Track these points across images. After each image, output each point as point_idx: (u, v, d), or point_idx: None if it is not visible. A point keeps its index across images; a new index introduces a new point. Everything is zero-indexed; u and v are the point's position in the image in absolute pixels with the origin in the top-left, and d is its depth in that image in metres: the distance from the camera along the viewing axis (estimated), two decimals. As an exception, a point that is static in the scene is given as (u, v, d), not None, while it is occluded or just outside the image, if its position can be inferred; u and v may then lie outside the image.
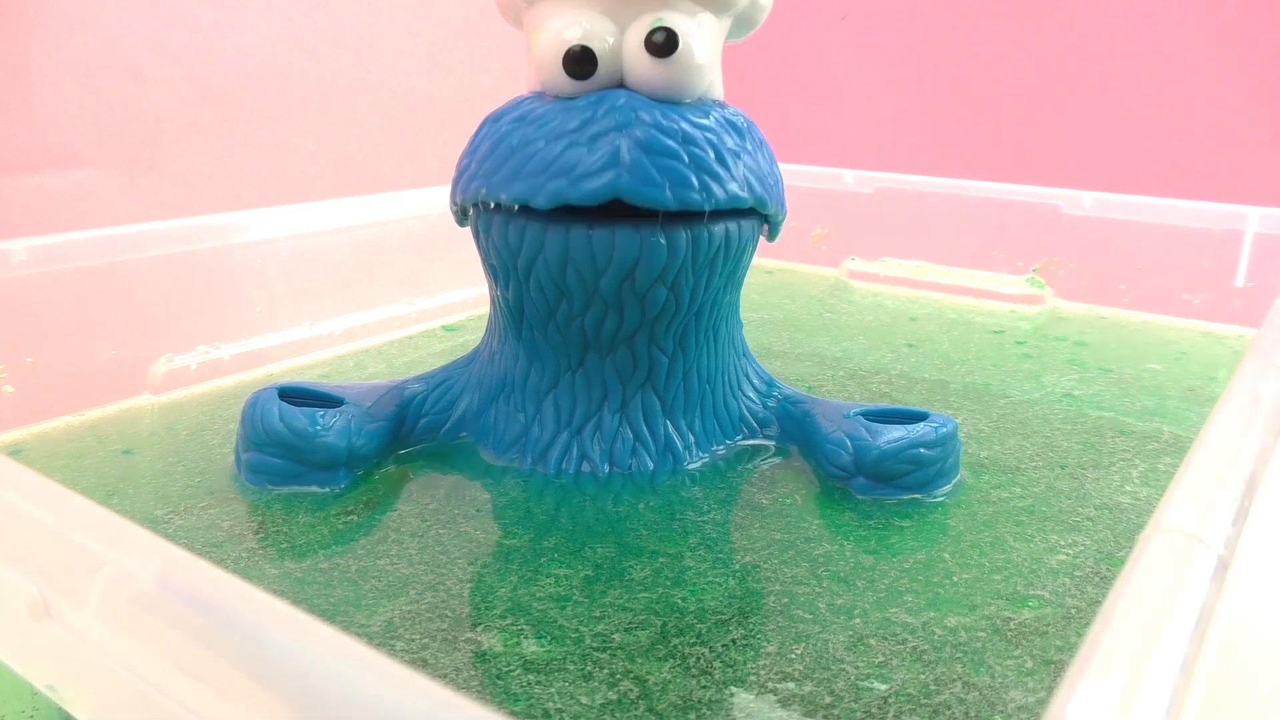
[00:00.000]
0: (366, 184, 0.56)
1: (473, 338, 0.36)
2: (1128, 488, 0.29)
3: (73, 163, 0.44)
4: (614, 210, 0.26)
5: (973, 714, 0.19)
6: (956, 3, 0.65)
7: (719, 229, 0.27)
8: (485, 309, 0.31)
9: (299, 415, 0.27)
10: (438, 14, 0.59)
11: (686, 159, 0.26)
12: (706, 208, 0.26)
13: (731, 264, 0.28)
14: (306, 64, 0.53)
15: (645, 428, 0.29)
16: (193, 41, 0.48)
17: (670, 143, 0.25)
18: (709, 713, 0.19)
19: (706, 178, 0.26)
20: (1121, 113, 0.61)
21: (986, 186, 0.52)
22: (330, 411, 0.28)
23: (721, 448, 0.30)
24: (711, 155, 0.26)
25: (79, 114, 0.44)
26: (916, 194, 0.54)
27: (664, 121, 0.26)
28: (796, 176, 0.56)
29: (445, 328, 0.45)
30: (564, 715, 0.19)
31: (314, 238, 0.41)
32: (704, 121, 0.26)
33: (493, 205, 0.27)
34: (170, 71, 0.47)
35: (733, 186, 0.26)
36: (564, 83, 0.26)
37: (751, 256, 0.29)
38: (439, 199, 0.37)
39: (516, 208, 0.26)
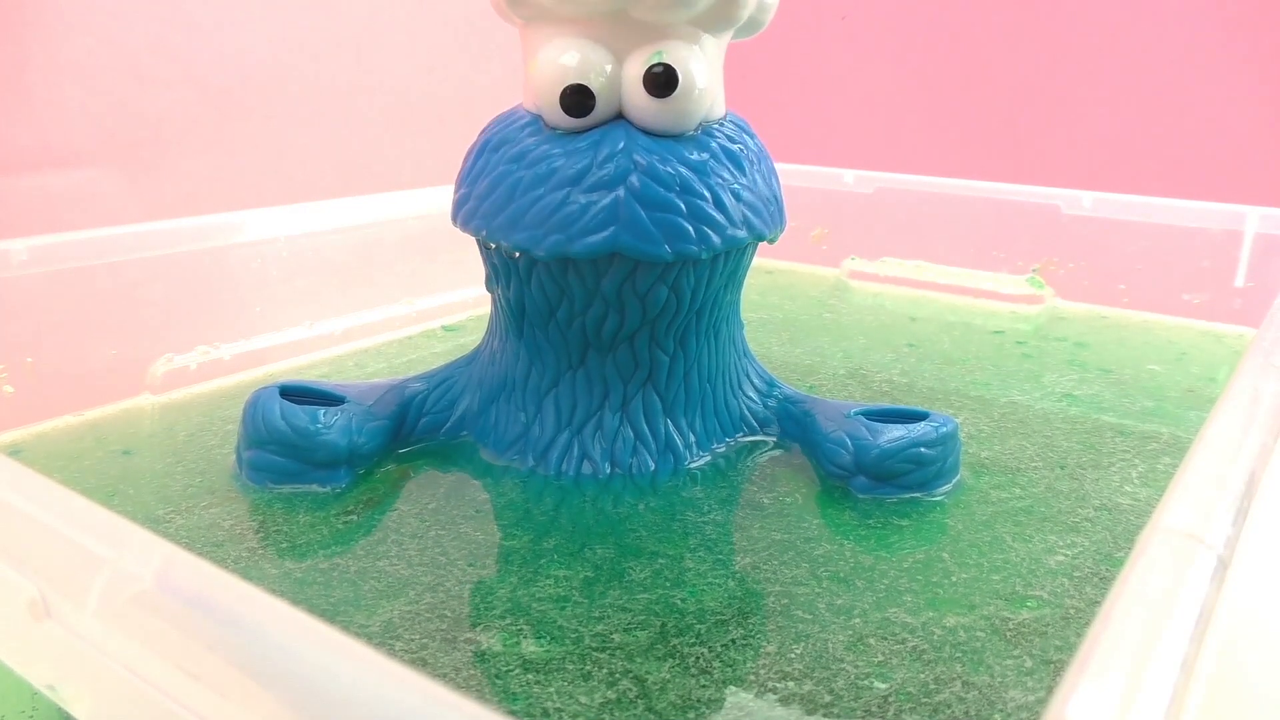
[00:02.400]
0: (366, 184, 0.56)
1: (473, 338, 0.36)
2: (1127, 488, 0.29)
3: (73, 163, 0.44)
4: None
5: (972, 713, 0.19)
6: (956, 3, 0.65)
7: None
8: (485, 309, 0.31)
9: (300, 413, 0.27)
10: (438, 14, 0.59)
11: (684, 209, 0.26)
12: (704, 257, 0.26)
13: (732, 264, 0.28)
14: (306, 64, 0.53)
15: (646, 427, 0.29)
16: (193, 41, 0.48)
17: (667, 195, 0.25)
18: (708, 711, 0.19)
19: (705, 228, 0.26)
20: (1121, 113, 0.61)
21: (986, 186, 0.52)
22: (331, 410, 0.28)
23: (722, 447, 0.30)
24: (709, 201, 0.26)
25: (79, 114, 0.44)
26: (916, 194, 0.54)
27: (662, 168, 0.26)
28: (796, 176, 0.56)
29: (445, 328, 0.45)
30: (563, 714, 0.19)
31: (314, 238, 0.41)
32: (703, 159, 0.26)
33: (493, 246, 0.27)
34: (170, 71, 0.47)
35: (730, 231, 0.26)
36: (561, 118, 0.26)
37: (752, 257, 0.29)
38: (439, 199, 0.37)
39: (518, 255, 0.27)
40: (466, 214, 0.27)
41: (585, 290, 0.27)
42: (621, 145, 0.26)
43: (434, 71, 0.60)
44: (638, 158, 0.25)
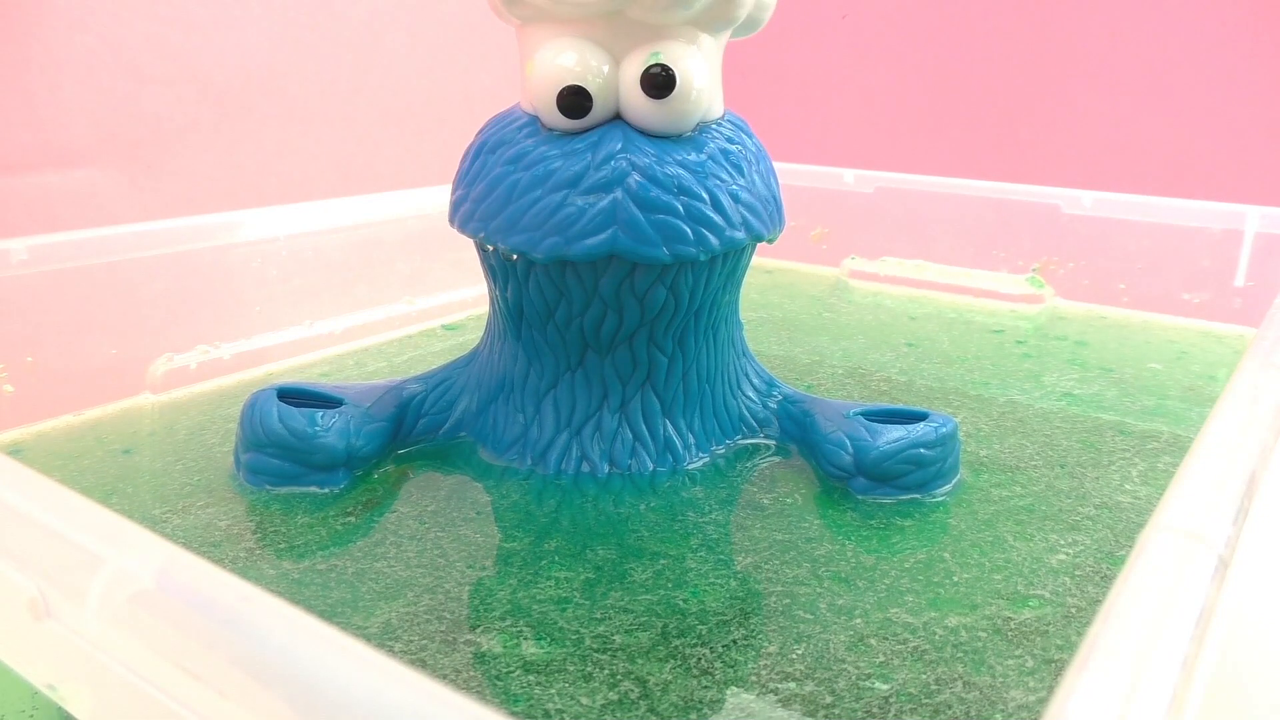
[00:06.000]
0: (366, 184, 0.56)
1: (473, 338, 0.36)
2: (1127, 487, 0.29)
3: (73, 163, 0.44)
4: None
5: (973, 713, 0.19)
6: (956, 3, 0.65)
7: None
8: (485, 309, 0.31)
9: (298, 416, 0.27)
10: (438, 14, 0.59)
11: (682, 211, 0.26)
12: (702, 258, 0.26)
13: (730, 265, 0.28)
14: (306, 64, 0.53)
15: (645, 428, 0.29)
16: (193, 41, 0.48)
17: (665, 197, 0.25)
18: (710, 712, 0.19)
19: (703, 230, 0.26)
20: (1121, 113, 0.61)
21: (986, 186, 0.52)
22: (329, 412, 0.28)
23: (721, 447, 0.30)
24: (707, 202, 0.26)
25: (79, 114, 0.44)
26: (916, 194, 0.54)
27: (659, 170, 0.26)
28: (796, 176, 0.56)
29: (445, 327, 0.45)
30: (564, 716, 0.19)
31: (314, 238, 0.41)
32: (700, 160, 0.26)
33: (490, 248, 0.27)
34: (170, 71, 0.47)
35: (728, 233, 0.26)
36: (559, 120, 0.26)
37: (750, 257, 0.29)
38: (439, 199, 0.37)
39: (515, 257, 0.27)
40: (464, 215, 0.27)
41: (583, 291, 0.27)
42: (619, 146, 0.26)
43: (434, 71, 0.60)
44: (635, 159, 0.25)
